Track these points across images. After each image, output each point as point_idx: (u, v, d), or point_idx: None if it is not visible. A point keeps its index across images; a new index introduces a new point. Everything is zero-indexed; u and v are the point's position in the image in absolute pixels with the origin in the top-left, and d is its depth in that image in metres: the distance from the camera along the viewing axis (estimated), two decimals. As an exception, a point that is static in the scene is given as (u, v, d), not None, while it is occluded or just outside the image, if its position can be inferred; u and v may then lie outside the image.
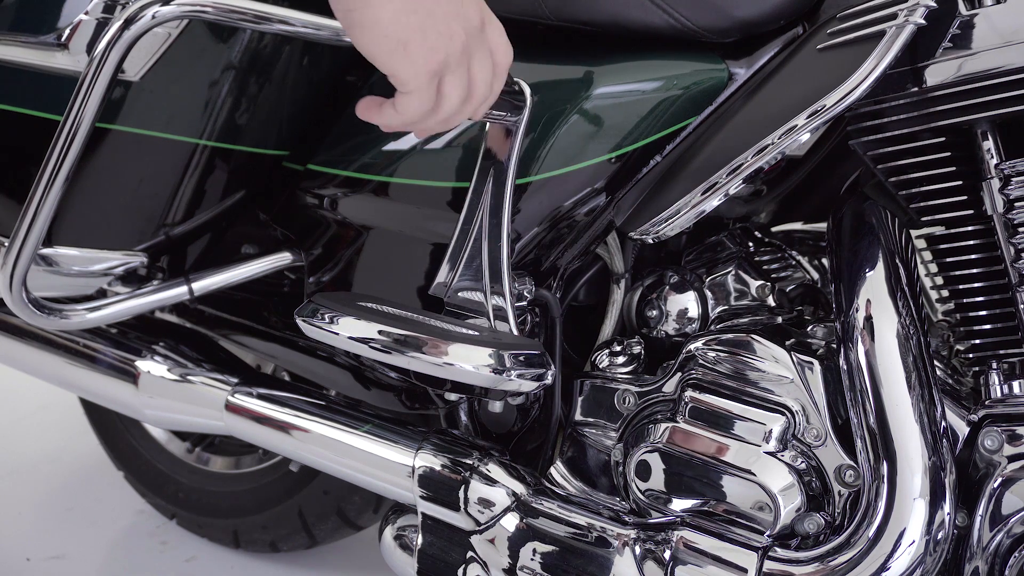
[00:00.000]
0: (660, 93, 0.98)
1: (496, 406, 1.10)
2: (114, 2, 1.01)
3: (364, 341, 0.94)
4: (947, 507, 0.89)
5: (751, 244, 1.16)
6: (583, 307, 1.16)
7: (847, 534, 0.91)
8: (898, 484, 0.89)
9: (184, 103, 1.07)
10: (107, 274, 1.15)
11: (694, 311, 1.09)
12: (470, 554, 1.06)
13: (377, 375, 1.18)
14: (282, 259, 1.21)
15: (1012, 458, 0.91)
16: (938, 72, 0.88)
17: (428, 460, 1.08)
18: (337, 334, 0.95)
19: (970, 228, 0.93)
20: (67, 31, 1.02)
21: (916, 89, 0.89)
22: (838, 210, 1.02)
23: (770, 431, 0.96)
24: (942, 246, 0.95)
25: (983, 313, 0.94)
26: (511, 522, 1.03)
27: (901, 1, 0.87)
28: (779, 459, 0.96)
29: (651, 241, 1.02)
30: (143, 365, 1.28)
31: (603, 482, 1.10)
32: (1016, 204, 0.89)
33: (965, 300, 0.95)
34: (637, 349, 1.09)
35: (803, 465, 0.96)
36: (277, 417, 1.21)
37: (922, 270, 1.05)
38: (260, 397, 1.23)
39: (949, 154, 0.91)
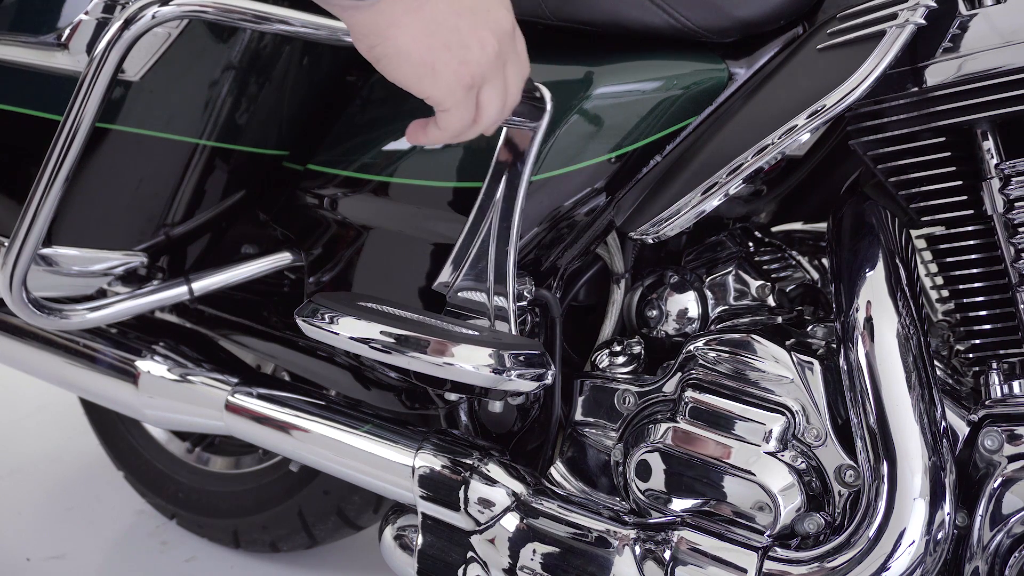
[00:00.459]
0: (660, 93, 0.98)
1: (496, 406, 1.10)
2: (114, 2, 1.01)
3: (364, 341, 0.94)
4: (947, 507, 0.89)
5: (751, 244, 1.16)
6: (583, 307, 1.16)
7: (847, 534, 0.91)
8: (898, 484, 0.89)
9: (184, 103, 1.07)
10: (107, 274, 1.15)
11: (694, 311, 1.09)
12: (470, 554, 1.06)
13: (377, 375, 1.18)
14: (282, 259, 1.21)
15: (1012, 458, 0.91)
16: (938, 72, 0.88)
17: (428, 460, 1.08)
18: (337, 334, 0.95)
19: (970, 228, 0.93)
20: (67, 31, 1.02)
21: (916, 89, 0.89)
22: (838, 210, 1.02)
23: (770, 431, 0.96)
24: (942, 246, 0.95)
25: (983, 313, 0.94)
26: (511, 522, 1.03)
27: (901, 1, 0.87)
28: (779, 459, 0.96)
29: (651, 241, 1.02)
30: (143, 365, 1.28)
31: (603, 482, 1.10)
32: (1016, 204, 0.89)
33: (965, 300, 0.95)
34: (637, 349, 1.09)
35: (803, 465, 0.96)
36: (277, 417, 1.20)
37: (922, 270, 1.05)
38: (260, 397, 1.23)
39: (949, 154, 0.91)
